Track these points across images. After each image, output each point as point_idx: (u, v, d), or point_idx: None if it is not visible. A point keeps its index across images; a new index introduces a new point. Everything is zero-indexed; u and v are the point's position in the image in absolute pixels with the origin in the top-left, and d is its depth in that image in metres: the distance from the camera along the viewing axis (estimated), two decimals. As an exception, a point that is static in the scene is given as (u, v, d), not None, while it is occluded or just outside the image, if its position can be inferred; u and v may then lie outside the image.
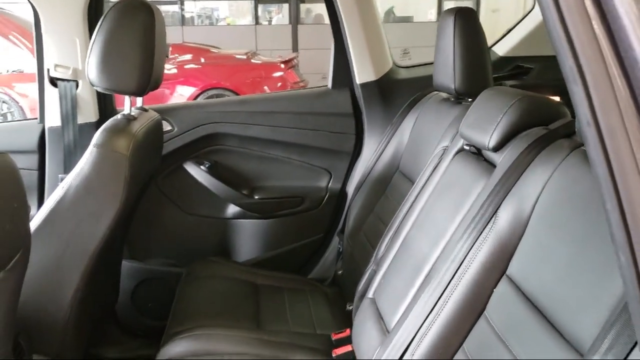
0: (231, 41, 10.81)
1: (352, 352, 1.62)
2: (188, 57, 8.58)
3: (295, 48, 11.47)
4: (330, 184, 2.33)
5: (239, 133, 2.25)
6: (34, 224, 1.53)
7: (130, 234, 2.17)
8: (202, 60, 8.48)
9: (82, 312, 1.60)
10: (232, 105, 2.29)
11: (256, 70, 8.43)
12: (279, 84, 8.10)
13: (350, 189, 2.26)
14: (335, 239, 2.33)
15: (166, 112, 2.18)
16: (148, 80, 1.62)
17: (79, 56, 2.00)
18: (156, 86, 1.72)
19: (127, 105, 1.70)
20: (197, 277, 2.04)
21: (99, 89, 1.63)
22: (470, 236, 1.22)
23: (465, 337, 1.17)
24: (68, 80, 1.99)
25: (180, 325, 1.72)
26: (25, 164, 2.10)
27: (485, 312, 1.15)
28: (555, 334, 0.95)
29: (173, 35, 10.88)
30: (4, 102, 7.24)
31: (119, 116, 1.67)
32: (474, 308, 1.17)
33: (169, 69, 7.97)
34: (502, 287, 1.13)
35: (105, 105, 2.13)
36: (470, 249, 1.20)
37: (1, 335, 1.15)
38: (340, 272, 2.14)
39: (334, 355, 1.64)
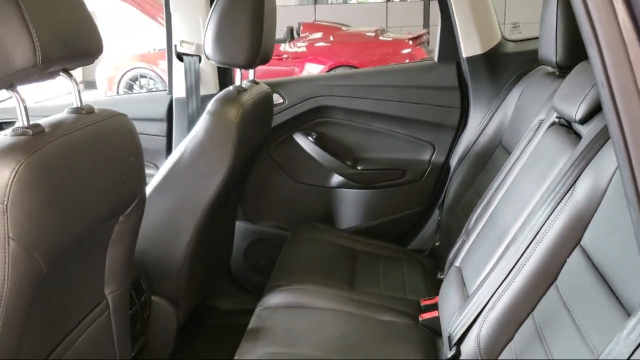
0: (362, 19, 10.88)
1: (437, 318, 1.67)
2: (318, 35, 8.77)
3: (426, 24, 11.28)
4: (433, 157, 2.36)
5: (345, 106, 2.35)
6: (155, 181, 1.75)
7: (244, 197, 2.37)
8: (331, 38, 8.63)
9: (194, 262, 1.80)
10: (340, 79, 2.39)
11: (384, 47, 8.42)
12: (407, 61, 8.05)
13: (453, 162, 2.28)
14: (436, 212, 2.36)
15: (278, 86, 2.33)
16: (257, 54, 1.77)
17: (202, 33, 2.20)
18: (265, 60, 1.86)
19: (238, 77, 1.86)
20: (301, 239, 2.18)
21: (214, 63, 1.80)
22: (548, 206, 1.23)
23: (536, 305, 1.19)
24: (192, 55, 2.20)
25: (280, 279, 1.87)
26: (156, 130, 2.36)
27: (556, 281, 1.16)
28: (617, 303, 0.95)
29: (305, 14, 11.20)
30: (150, 78, 7.94)
31: (230, 88, 1.84)
32: (546, 277, 1.18)
33: (299, 47, 8.25)
34: (575, 256, 1.14)
35: (225, 78, 2.32)
36: (547, 218, 1.21)
37: (121, 272, 1.35)
38: (437, 243, 2.18)
39: (420, 319, 1.71)
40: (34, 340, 1.02)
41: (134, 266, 1.69)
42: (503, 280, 1.27)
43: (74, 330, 1.19)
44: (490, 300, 1.28)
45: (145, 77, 8.12)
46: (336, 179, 2.41)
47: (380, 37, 8.60)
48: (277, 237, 2.39)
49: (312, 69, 8.06)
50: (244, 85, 1.90)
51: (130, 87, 8.10)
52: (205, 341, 2.19)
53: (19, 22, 0.87)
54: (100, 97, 6.73)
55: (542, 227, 1.22)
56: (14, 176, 0.85)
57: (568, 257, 1.15)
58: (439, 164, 2.35)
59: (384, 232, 2.37)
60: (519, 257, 1.25)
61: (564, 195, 1.19)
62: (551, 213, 1.21)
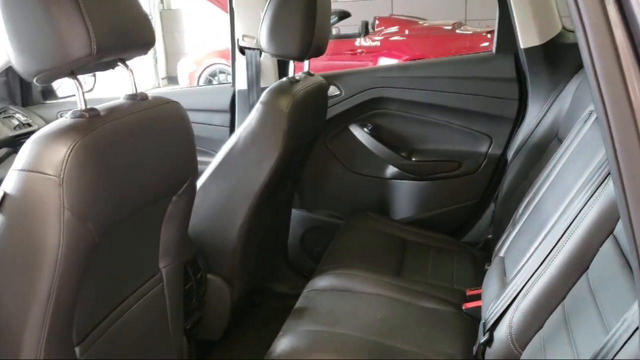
0: (442, 12, 10.73)
1: (480, 307, 1.69)
2: (394, 29, 8.72)
3: (506, 17, 10.95)
4: (490, 150, 2.35)
5: (401, 97, 2.38)
6: (212, 167, 1.86)
7: (301, 186, 2.46)
8: (407, 32, 8.57)
9: (248, 243, 1.90)
10: (396, 70, 2.42)
11: (460, 40, 8.26)
12: (480, 54, 7.86)
13: (510, 155, 2.26)
14: (491, 205, 2.35)
15: (335, 78, 2.39)
16: (309, 47, 1.84)
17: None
18: (319, 52, 1.93)
19: (291, 69, 1.94)
20: (353, 227, 2.24)
21: (269, 54, 1.89)
22: (584, 196, 1.22)
23: (567, 293, 1.19)
24: (253, 49, 2.30)
25: (329, 264, 1.94)
26: (220, 121, 2.49)
27: (587, 270, 1.16)
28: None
29: (383, 8, 11.17)
30: (228, 74, 8.20)
31: (284, 79, 1.92)
32: (578, 265, 1.18)
33: (374, 41, 8.25)
34: (607, 246, 1.13)
35: (284, 71, 2.41)
36: (582, 208, 1.21)
37: (175, 248, 1.46)
38: (489, 236, 2.17)
39: (463, 308, 1.72)
40: (88, 304, 1.14)
41: (191, 245, 1.81)
42: (537, 268, 1.28)
43: (128, 298, 1.31)
44: (524, 288, 1.29)
45: (224, 72, 8.39)
46: (391, 170, 2.44)
47: (458, 31, 8.44)
48: (331, 226, 2.46)
49: (386, 63, 8.04)
50: (297, 77, 1.97)
51: (209, 83, 8.39)
52: (261, 321, 2.29)
53: (77, 15, 0.98)
54: (168, 88, 6.98)
55: (576, 216, 1.22)
56: (70, 153, 0.96)
57: (600, 246, 1.15)
58: (496, 157, 2.33)
59: (437, 224, 2.38)
60: (553, 245, 1.26)
61: (599, 185, 1.19)
62: (586, 202, 1.21)
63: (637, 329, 0.78)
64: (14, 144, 2.31)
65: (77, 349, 1.13)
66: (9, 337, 0.99)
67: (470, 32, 8.33)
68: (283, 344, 1.53)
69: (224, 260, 1.88)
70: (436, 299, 1.77)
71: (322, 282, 1.85)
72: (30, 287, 0.97)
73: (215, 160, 1.85)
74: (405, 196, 2.44)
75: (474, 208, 2.39)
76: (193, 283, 1.77)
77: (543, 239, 1.35)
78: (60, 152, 0.96)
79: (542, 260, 1.27)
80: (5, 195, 0.97)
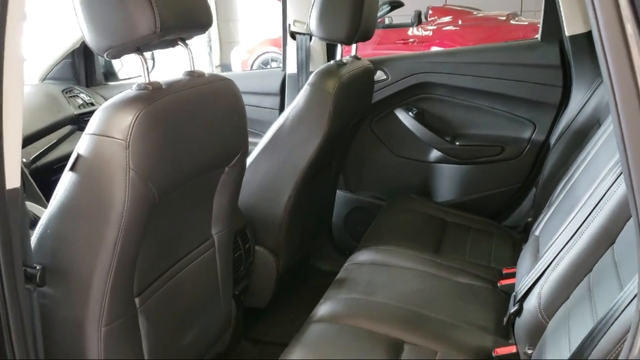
0: (496, 3, 10.56)
1: (514, 284, 1.74)
2: (447, 19, 8.65)
3: (564, 8, 10.68)
4: (533, 136, 2.38)
5: (446, 82, 2.43)
6: (261, 145, 1.97)
7: (346, 168, 2.55)
8: (460, 22, 8.49)
9: (293, 218, 2.00)
10: (442, 56, 2.47)
11: (515, 31, 8.12)
12: (537, 46, 7.71)
13: (553, 141, 2.28)
14: (533, 190, 2.38)
15: (382, 63, 2.46)
16: (356, 31, 1.93)
17: None
18: (366, 37, 2.01)
19: (338, 53, 2.03)
20: (395, 208, 2.32)
21: (318, 39, 1.98)
22: (614, 175, 1.27)
23: (593, 266, 1.24)
24: (303, 34, 2.40)
25: (370, 241, 2.03)
26: (271, 104, 2.60)
27: (614, 244, 1.21)
28: None
29: (436, -3, 11.07)
30: (276, 61, 8.34)
31: (331, 62, 2.01)
32: (605, 239, 1.23)
33: (426, 30, 8.22)
34: (633, 220, 1.17)
35: (333, 55, 2.50)
36: (612, 184, 1.26)
37: (226, 216, 1.57)
38: (529, 219, 2.21)
39: (498, 285, 1.78)
40: (148, 260, 1.27)
41: (241, 216, 1.93)
42: (567, 243, 1.33)
43: (183, 259, 1.43)
44: (554, 261, 1.35)
45: (276, 61, 8.53)
46: (434, 154, 2.50)
47: (512, 22, 8.31)
48: (374, 207, 2.54)
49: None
50: (344, 61, 2.06)
51: (261, 71, 8.54)
52: (304, 296, 2.40)
53: None
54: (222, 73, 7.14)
55: (605, 193, 1.27)
56: (135, 120, 1.09)
57: (627, 221, 1.20)
58: (539, 142, 2.36)
59: (478, 207, 2.43)
60: (582, 221, 1.31)
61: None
62: (615, 181, 1.25)
63: (635, 296, 0.84)
64: (78, 121, 2.49)
65: (136, 300, 1.26)
66: (80, 279, 1.12)
67: (525, 23, 8.17)
68: (323, 309, 1.63)
69: (271, 232, 1.99)
70: (472, 275, 1.84)
71: (362, 256, 1.94)
72: (98, 236, 1.10)
73: (265, 139, 1.96)
74: (447, 180, 2.50)
75: (515, 192, 2.43)
76: (242, 252, 1.89)
77: (574, 217, 1.40)
78: (127, 119, 1.08)
79: (571, 235, 1.33)
80: (78, 156, 1.10)
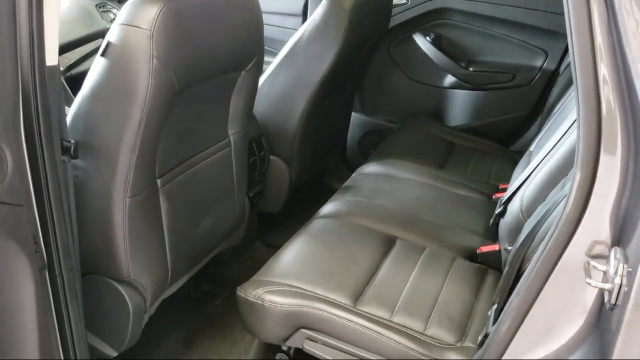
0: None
1: (508, 197, 1.86)
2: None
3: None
4: (545, 64, 2.44)
5: (463, 9, 2.48)
6: (279, 58, 2.09)
7: (362, 91, 2.65)
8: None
9: (307, 130, 2.13)
10: None
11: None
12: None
13: (562, 69, 2.34)
14: (540, 117, 2.46)
15: None
16: None
17: None
18: None
19: None
20: (407, 128, 2.44)
21: None
22: None
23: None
24: (327, -45, 2.46)
25: (378, 156, 2.17)
26: (292, 24, 2.69)
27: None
28: None
29: None
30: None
31: (349, -21, 2.08)
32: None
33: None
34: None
35: None
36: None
37: (242, 119, 1.71)
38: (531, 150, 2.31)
39: (493, 197, 1.91)
40: (169, 146, 1.42)
41: (257, 126, 2.07)
42: (550, 151, 1.44)
43: (201, 152, 1.58)
44: (537, 167, 1.47)
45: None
46: (449, 79, 2.58)
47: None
48: (388, 130, 2.65)
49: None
50: (363, -20, 2.13)
51: None
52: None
53: None
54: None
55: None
56: (159, 12, 1.21)
57: None
58: (550, 71, 2.42)
59: (487, 132, 2.53)
60: (566, 130, 1.41)
61: None
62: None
63: None
64: None
65: (158, 181, 1.42)
66: (108, 154, 1.28)
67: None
68: (328, 208, 1.79)
69: (285, 143, 2.12)
70: (470, 189, 1.97)
71: (368, 168, 2.08)
72: (125, 116, 1.25)
73: (282, 52, 2.07)
74: (459, 105, 2.59)
75: (523, 119, 2.52)
76: (257, 158, 2.03)
77: (559, 130, 1.50)
78: (152, 11, 1.21)
79: (554, 144, 1.44)
80: (108, 43, 1.24)
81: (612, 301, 0.77)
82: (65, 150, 1.20)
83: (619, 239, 0.82)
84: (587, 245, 0.85)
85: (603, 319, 0.84)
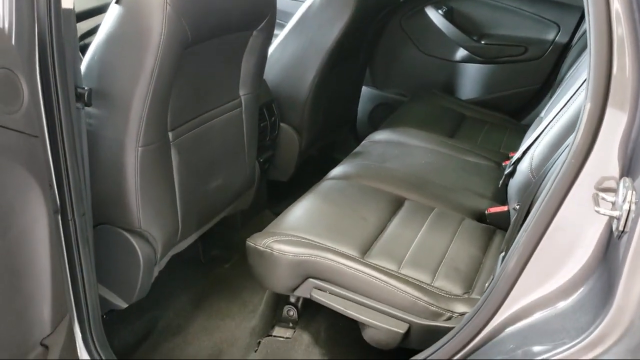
0: None
1: (517, 164, 1.86)
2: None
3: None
4: (557, 38, 2.42)
5: None
6: (290, 24, 2.09)
7: (373, 64, 2.65)
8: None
9: (317, 98, 2.14)
10: None
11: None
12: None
13: (574, 42, 2.33)
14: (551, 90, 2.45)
15: None
16: None
17: None
18: None
19: None
20: (418, 100, 2.44)
21: None
22: None
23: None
24: None
25: (389, 125, 2.17)
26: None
27: None
28: None
29: None
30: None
31: (364, -51, 2.09)
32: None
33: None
34: None
35: None
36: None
37: (253, 80, 1.72)
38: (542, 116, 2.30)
39: (503, 164, 1.90)
40: (181, 101, 1.43)
41: (268, 91, 2.08)
42: (558, 112, 1.44)
43: (213, 110, 1.59)
44: (547, 127, 1.47)
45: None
46: (461, 53, 2.58)
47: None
48: (399, 103, 2.65)
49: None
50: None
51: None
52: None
53: None
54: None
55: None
56: None
57: None
58: (562, 44, 2.41)
59: (499, 105, 2.52)
60: (574, 92, 1.41)
61: None
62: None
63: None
64: None
65: (170, 134, 1.43)
66: (121, 102, 1.29)
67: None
68: (337, 170, 1.80)
69: (296, 111, 2.13)
70: (480, 156, 1.97)
71: (379, 136, 2.08)
72: (138, 63, 1.26)
73: (294, 19, 2.08)
74: (471, 78, 2.58)
75: (535, 92, 2.51)
76: (267, 123, 2.04)
77: (568, 93, 1.50)
78: None
79: (563, 105, 1.44)
80: (124, -10, 1.25)
81: (620, 228, 0.78)
82: (79, 97, 1.21)
83: (628, 170, 0.83)
84: (597, 177, 0.85)
85: (611, 250, 0.84)
